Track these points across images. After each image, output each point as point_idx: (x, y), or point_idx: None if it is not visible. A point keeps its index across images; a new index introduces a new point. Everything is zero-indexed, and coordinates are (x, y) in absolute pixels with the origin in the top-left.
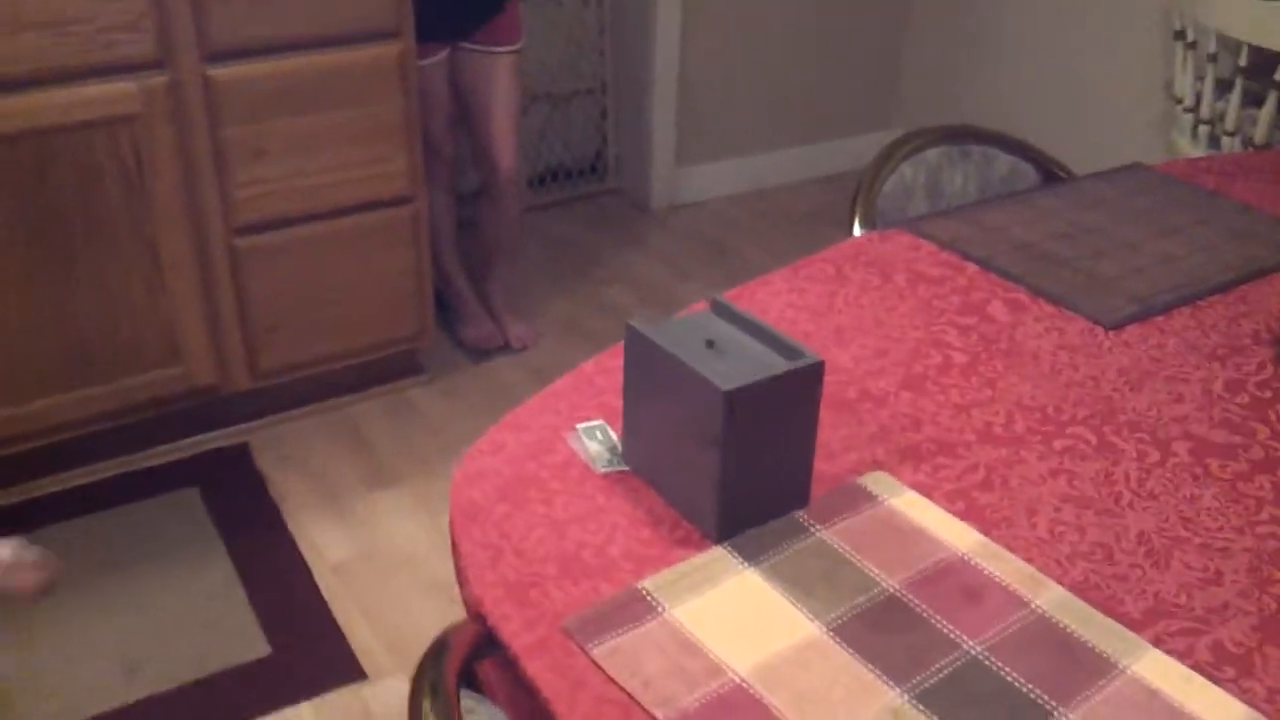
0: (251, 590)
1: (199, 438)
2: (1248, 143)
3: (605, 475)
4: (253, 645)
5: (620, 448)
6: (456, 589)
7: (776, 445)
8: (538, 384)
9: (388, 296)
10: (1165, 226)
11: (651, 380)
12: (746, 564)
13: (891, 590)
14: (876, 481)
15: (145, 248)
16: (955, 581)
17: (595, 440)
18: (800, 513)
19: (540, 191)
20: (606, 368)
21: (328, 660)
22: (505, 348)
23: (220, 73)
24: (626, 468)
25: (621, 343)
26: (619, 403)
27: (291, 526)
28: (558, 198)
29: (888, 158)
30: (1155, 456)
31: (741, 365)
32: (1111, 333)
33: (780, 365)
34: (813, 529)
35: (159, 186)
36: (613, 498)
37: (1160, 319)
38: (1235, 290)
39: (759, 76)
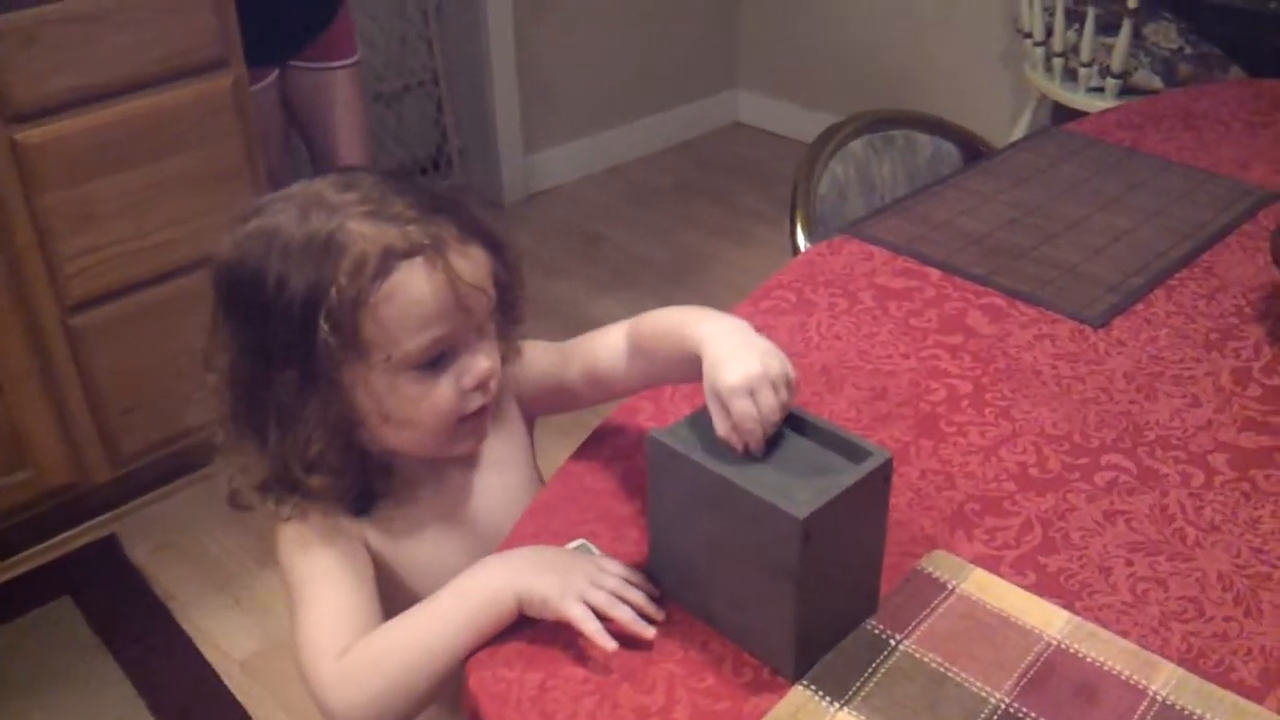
0: (156, 708)
1: (58, 539)
2: (1104, 72)
3: None
4: None
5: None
6: None
7: (849, 558)
8: None
9: None
10: (1103, 196)
11: (690, 501)
12: (837, 704)
13: (1003, 706)
14: (937, 564)
15: None
16: (1064, 679)
17: None
18: (871, 621)
19: None
20: (592, 465)
21: None
22: None
23: (29, 135)
24: None
25: (602, 429)
26: (620, 507)
27: (185, 625)
28: None
29: (815, 158)
30: (1200, 478)
31: (797, 473)
32: (1100, 331)
33: (847, 470)
34: (892, 641)
35: None
36: (655, 639)
37: (1140, 307)
38: (1198, 261)
39: (599, 49)
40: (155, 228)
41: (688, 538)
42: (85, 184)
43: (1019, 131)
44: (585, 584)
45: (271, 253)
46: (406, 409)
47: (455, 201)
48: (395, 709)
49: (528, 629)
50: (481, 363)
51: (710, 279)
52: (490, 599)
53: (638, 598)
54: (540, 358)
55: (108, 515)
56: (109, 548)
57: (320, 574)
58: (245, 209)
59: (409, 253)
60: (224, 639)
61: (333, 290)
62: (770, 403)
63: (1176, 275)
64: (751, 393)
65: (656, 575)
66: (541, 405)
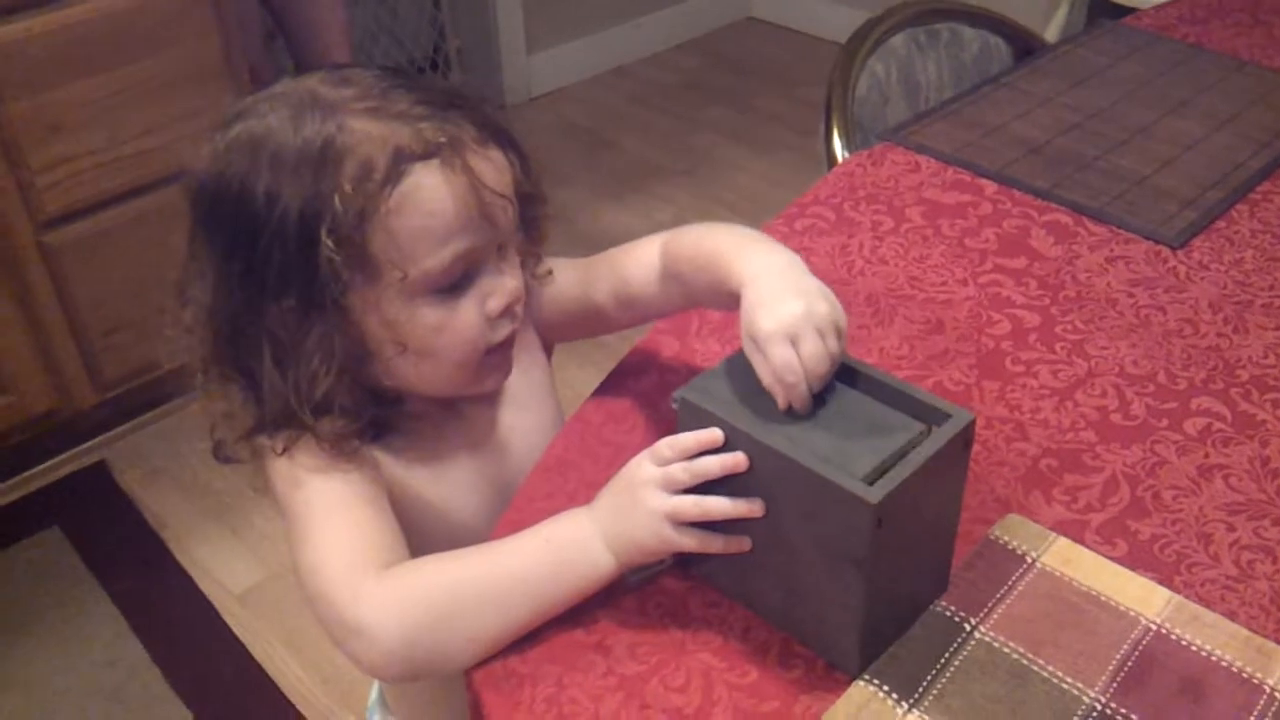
0: (151, 644)
1: (45, 465)
2: None
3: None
4: (169, 712)
5: None
6: None
7: (922, 537)
8: None
9: None
10: (1171, 100)
11: (733, 474)
12: (906, 703)
13: (1099, 707)
14: (1013, 531)
15: None
16: (1167, 672)
17: None
18: (941, 602)
19: None
20: (610, 412)
21: (261, 712)
22: None
23: None
24: (663, 565)
25: (620, 370)
26: None
27: (180, 556)
28: None
29: (853, 55)
30: None
31: (856, 438)
32: (1179, 252)
33: (908, 429)
34: (966, 625)
35: None
36: (688, 624)
37: (1221, 225)
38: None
39: None
40: (131, 136)
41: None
42: (51, 90)
43: (1055, 26)
44: (664, 499)
45: (260, 162)
46: (426, 337)
47: (469, 98)
48: (440, 650)
49: None
50: (509, 283)
51: (727, 186)
52: (581, 552)
53: (713, 465)
54: (561, 277)
55: (96, 441)
56: (98, 475)
57: (334, 495)
58: (225, 113)
59: (424, 154)
60: (220, 571)
61: (336, 199)
62: (815, 350)
63: (1258, 188)
64: (793, 340)
65: (689, 556)
66: (564, 330)
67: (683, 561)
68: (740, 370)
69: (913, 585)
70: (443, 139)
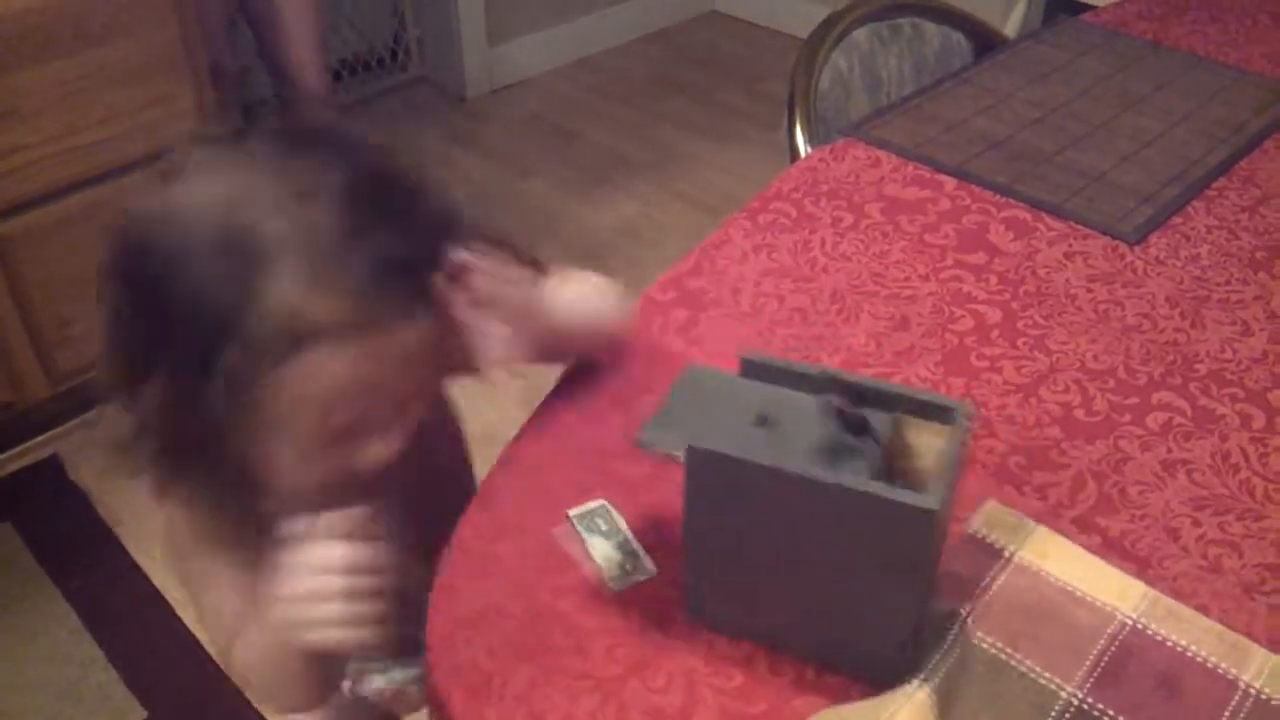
0: (105, 642)
1: None
2: None
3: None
4: (124, 710)
5: (632, 542)
6: None
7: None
8: None
9: None
10: (1129, 96)
11: (752, 511)
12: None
13: (1076, 701)
14: (991, 522)
15: None
16: (1142, 667)
17: (599, 534)
18: (942, 599)
19: (333, 89)
20: (586, 410)
21: (216, 710)
22: None
23: None
24: (648, 574)
25: (590, 366)
26: (622, 467)
27: (134, 552)
28: (356, 95)
29: (816, 49)
30: (1261, 420)
31: (827, 455)
32: (1136, 248)
33: (864, 448)
34: (961, 611)
35: None
36: (669, 624)
37: (1178, 221)
38: (1236, 169)
39: None
40: (87, 125)
41: (748, 552)
42: (6, 77)
43: (1013, 22)
44: (308, 607)
45: (174, 267)
46: (284, 467)
47: (448, 225)
48: (289, 696)
49: (509, 606)
50: (380, 450)
51: (691, 180)
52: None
53: (348, 556)
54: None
55: (49, 435)
56: (51, 469)
57: (207, 575)
58: (164, 162)
59: (338, 335)
60: None
61: (226, 354)
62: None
63: (1214, 184)
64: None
65: (698, 600)
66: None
67: (693, 609)
68: (692, 396)
69: (931, 588)
70: (364, 319)
